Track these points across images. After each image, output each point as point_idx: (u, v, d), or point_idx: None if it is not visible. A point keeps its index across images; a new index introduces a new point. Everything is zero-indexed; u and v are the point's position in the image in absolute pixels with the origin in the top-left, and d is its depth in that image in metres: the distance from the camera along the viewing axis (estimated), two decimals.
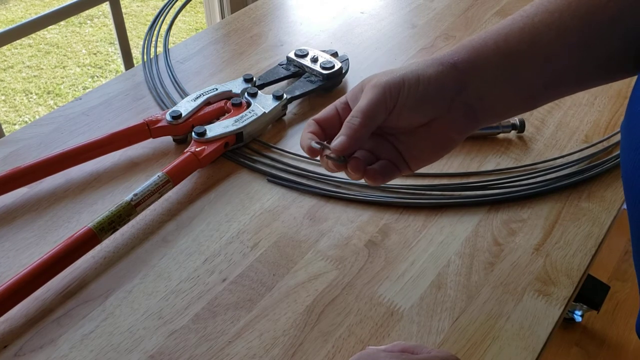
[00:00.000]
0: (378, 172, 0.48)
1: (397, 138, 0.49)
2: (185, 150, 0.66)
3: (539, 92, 0.47)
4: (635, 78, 0.40)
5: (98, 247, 0.59)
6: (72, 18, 2.96)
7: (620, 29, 0.43)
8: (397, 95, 0.45)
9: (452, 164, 0.69)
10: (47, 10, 1.04)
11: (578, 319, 1.50)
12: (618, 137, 0.72)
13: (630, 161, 0.37)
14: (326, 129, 0.49)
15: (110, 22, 1.84)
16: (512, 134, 0.73)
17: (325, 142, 0.47)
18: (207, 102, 0.73)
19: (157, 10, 0.94)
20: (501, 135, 0.72)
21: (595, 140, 0.72)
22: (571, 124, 0.75)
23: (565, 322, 1.51)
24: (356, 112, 0.45)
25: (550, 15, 0.44)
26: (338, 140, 0.46)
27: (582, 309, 1.49)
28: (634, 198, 0.37)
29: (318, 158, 0.48)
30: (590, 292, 1.45)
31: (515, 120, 0.72)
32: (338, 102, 0.50)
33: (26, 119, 2.44)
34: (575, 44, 0.44)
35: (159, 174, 0.62)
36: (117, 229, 0.59)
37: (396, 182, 0.66)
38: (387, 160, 0.49)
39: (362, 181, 0.66)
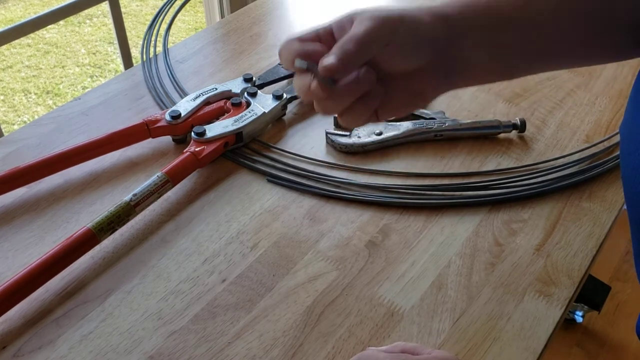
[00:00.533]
0: (362, 109, 0.44)
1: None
2: (184, 150, 0.66)
3: (517, 63, 0.47)
4: (635, 78, 0.40)
5: (97, 248, 0.58)
6: (71, 17, 2.96)
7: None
8: (394, 32, 0.42)
9: (452, 164, 0.69)
10: (46, 10, 1.04)
11: (579, 319, 1.50)
12: (619, 137, 0.71)
13: (631, 163, 0.36)
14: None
15: (109, 21, 1.84)
16: (513, 133, 0.72)
17: (311, 62, 0.42)
18: (207, 102, 0.73)
19: (157, 10, 0.94)
20: (502, 135, 0.72)
21: (597, 140, 0.71)
22: (572, 123, 0.74)
23: (566, 323, 1.51)
24: (350, 37, 0.41)
25: None
26: (328, 59, 0.41)
27: (583, 310, 1.49)
28: (634, 201, 0.37)
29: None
30: (591, 293, 1.45)
31: (516, 120, 0.71)
32: (321, 28, 0.45)
33: (25, 119, 2.43)
34: (566, 17, 0.44)
35: (159, 174, 0.62)
36: (116, 229, 0.59)
37: (396, 182, 0.66)
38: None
39: (363, 181, 0.66)
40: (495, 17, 0.44)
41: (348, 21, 0.44)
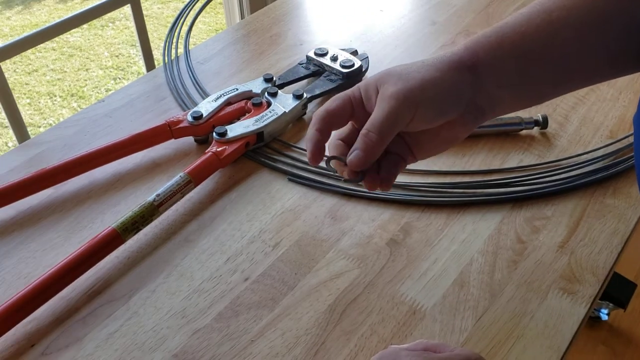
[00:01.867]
0: (388, 177, 0.48)
1: (406, 133, 0.49)
2: (206, 151, 0.67)
3: (548, 91, 0.47)
4: None
5: (122, 247, 0.59)
6: (94, 21, 3.00)
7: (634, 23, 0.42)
8: (414, 109, 0.44)
9: (474, 161, 0.68)
10: (70, 14, 1.05)
11: (604, 317, 1.48)
12: None
13: None
14: (334, 124, 0.48)
15: (131, 24, 1.86)
16: (535, 130, 0.72)
17: (340, 156, 0.47)
18: (228, 102, 0.74)
19: (178, 12, 0.95)
20: (524, 132, 0.72)
21: (621, 135, 0.70)
22: (595, 119, 0.73)
23: (591, 321, 1.49)
24: (372, 126, 0.44)
25: (567, 13, 0.43)
26: (354, 155, 0.44)
27: (608, 307, 1.47)
28: None
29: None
30: (617, 290, 1.43)
31: (538, 116, 0.71)
32: (352, 95, 0.48)
33: (50, 122, 2.48)
34: (593, 42, 0.43)
35: (181, 174, 0.63)
36: (140, 229, 0.60)
37: (418, 180, 0.66)
38: (393, 154, 0.48)
39: None
40: (522, 56, 0.45)
41: (374, 90, 0.46)
